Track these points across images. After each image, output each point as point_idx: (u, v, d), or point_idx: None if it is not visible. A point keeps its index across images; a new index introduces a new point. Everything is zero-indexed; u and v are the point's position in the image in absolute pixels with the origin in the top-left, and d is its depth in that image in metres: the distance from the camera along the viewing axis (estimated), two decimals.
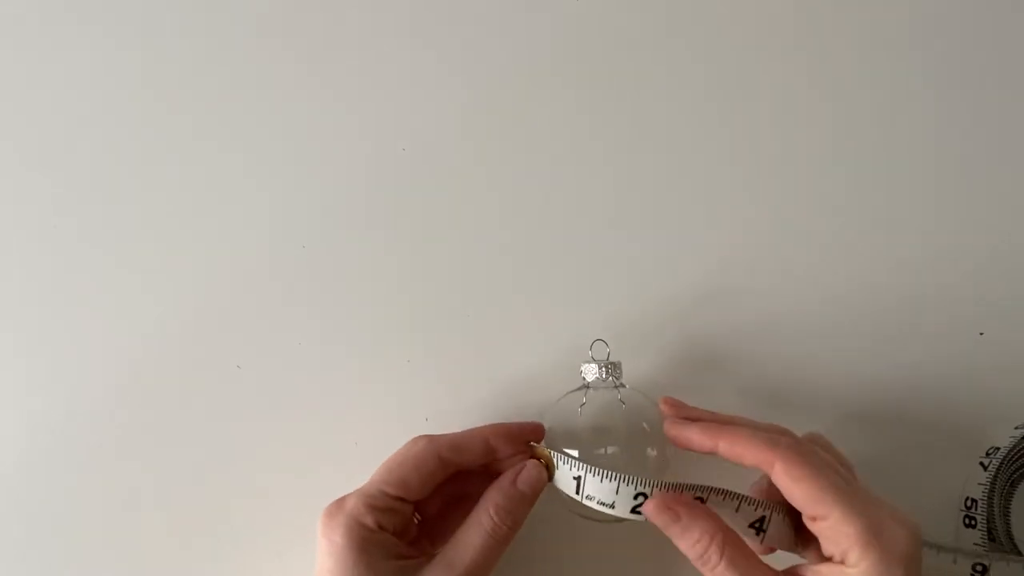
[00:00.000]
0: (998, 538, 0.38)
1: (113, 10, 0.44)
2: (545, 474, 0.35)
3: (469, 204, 0.43)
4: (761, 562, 0.32)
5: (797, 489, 0.31)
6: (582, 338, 0.40)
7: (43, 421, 0.41)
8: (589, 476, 0.33)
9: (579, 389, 0.38)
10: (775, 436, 0.32)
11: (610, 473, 0.33)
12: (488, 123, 0.43)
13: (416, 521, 0.36)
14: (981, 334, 0.41)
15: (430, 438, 0.35)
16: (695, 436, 0.34)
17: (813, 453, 0.32)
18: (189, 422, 0.41)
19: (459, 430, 0.36)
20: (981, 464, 0.39)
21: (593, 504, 0.33)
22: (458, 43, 0.44)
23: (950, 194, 0.43)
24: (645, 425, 0.36)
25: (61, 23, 0.44)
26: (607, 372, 0.37)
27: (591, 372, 0.37)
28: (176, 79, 0.44)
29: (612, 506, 0.33)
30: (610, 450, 0.35)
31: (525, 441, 0.36)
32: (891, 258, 0.42)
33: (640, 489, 0.32)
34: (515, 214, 0.43)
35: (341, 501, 0.34)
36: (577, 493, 0.34)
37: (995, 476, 0.38)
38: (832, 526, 0.30)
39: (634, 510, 0.33)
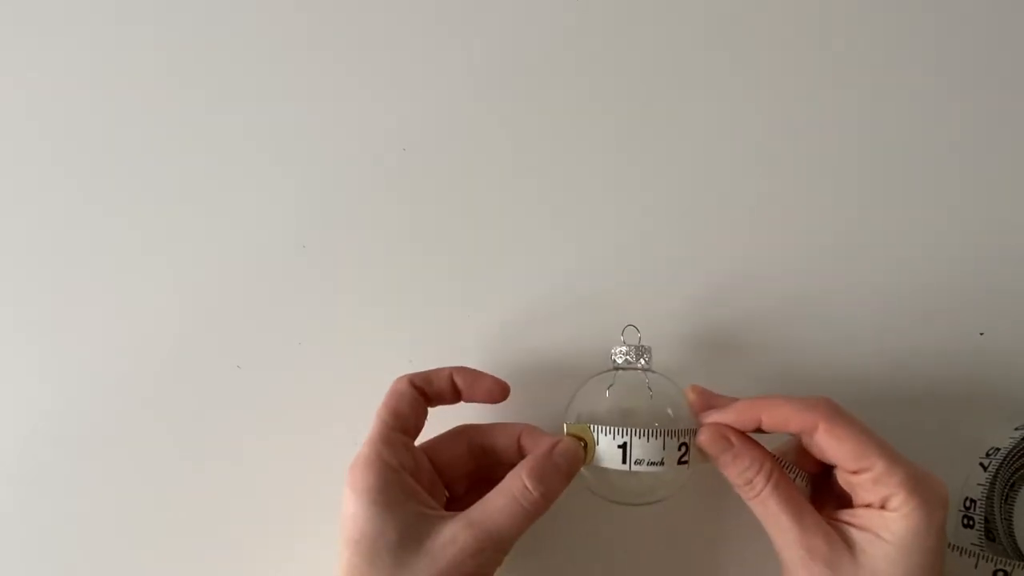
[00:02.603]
0: (998, 538, 0.38)
1: (114, 11, 0.44)
2: (582, 451, 0.34)
3: (470, 204, 0.43)
4: (801, 495, 0.33)
5: (840, 447, 0.32)
6: (583, 337, 0.40)
7: (43, 421, 0.41)
8: (635, 439, 0.33)
9: (608, 371, 0.38)
10: (811, 400, 0.33)
11: (655, 429, 0.33)
12: (489, 122, 0.43)
13: (446, 496, 0.37)
14: (981, 334, 0.41)
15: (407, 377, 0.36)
16: (736, 420, 0.34)
17: (848, 412, 0.33)
18: (189, 422, 0.41)
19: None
20: (981, 464, 0.39)
21: (643, 467, 0.33)
22: (458, 43, 0.44)
23: (951, 194, 0.43)
24: (669, 411, 0.36)
25: (61, 23, 0.44)
26: (637, 355, 0.37)
27: (620, 355, 0.37)
28: (176, 79, 0.44)
29: (662, 463, 0.34)
30: (624, 428, 0.35)
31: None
32: (892, 258, 0.42)
33: (682, 440, 0.34)
34: (515, 214, 0.43)
35: (357, 453, 0.34)
36: (624, 462, 0.34)
37: (995, 476, 0.38)
38: (875, 476, 0.31)
39: (680, 460, 0.34)
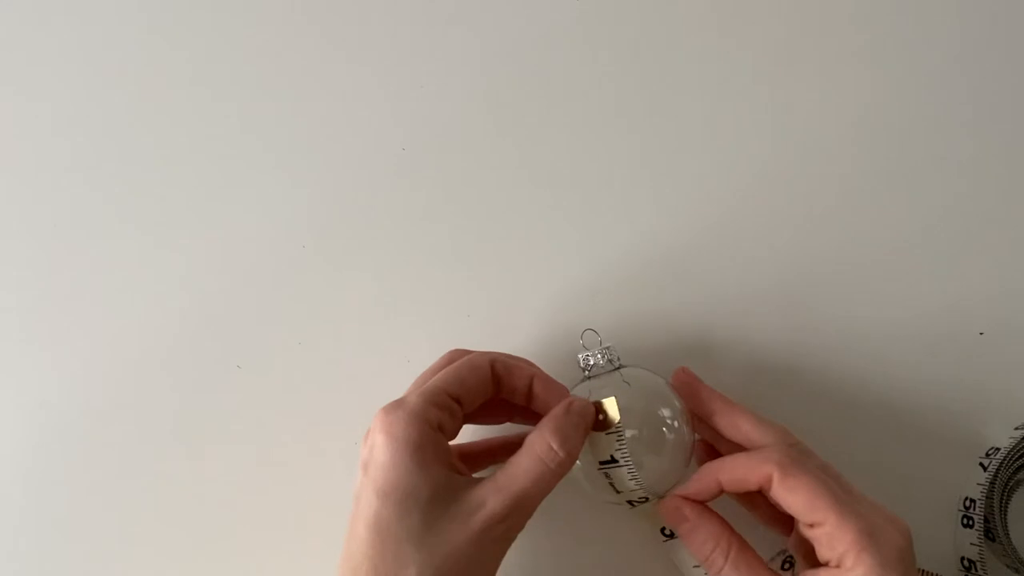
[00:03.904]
0: (998, 538, 0.38)
1: (115, 10, 0.44)
2: (594, 410, 0.34)
3: (469, 204, 0.43)
4: (766, 568, 0.33)
5: (793, 498, 0.32)
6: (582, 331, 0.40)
7: (43, 421, 0.41)
8: (623, 467, 0.34)
9: (582, 382, 0.38)
10: (766, 452, 0.33)
11: (638, 476, 0.34)
12: (488, 122, 0.43)
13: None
14: (981, 334, 0.41)
15: (479, 352, 0.35)
16: (697, 492, 0.34)
17: (805, 462, 0.33)
18: (189, 422, 0.41)
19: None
20: (981, 464, 0.39)
21: (604, 480, 0.34)
22: (458, 43, 0.44)
23: (951, 193, 0.43)
24: (665, 411, 0.36)
25: (62, 23, 0.44)
26: (603, 356, 0.37)
27: (587, 361, 0.37)
28: (176, 79, 0.44)
29: (618, 492, 0.35)
30: (629, 433, 0.35)
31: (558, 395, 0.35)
32: (891, 257, 0.42)
33: (648, 496, 0.35)
34: (515, 213, 0.43)
35: (398, 400, 0.32)
36: (601, 464, 0.34)
37: (995, 476, 0.38)
38: (828, 531, 0.31)
39: (632, 502, 0.35)
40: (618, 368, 0.37)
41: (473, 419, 0.36)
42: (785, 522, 0.36)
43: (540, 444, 0.32)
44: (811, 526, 0.32)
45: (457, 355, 0.36)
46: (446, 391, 0.32)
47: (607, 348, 0.37)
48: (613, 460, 0.34)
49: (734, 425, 0.36)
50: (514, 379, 0.34)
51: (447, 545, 0.30)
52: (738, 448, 0.36)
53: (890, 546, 0.30)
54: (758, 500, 0.36)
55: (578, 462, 0.36)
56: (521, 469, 0.32)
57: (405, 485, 0.30)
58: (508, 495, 0.31)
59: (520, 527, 0.32)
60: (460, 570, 0.30)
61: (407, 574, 0.30)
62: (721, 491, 0.34)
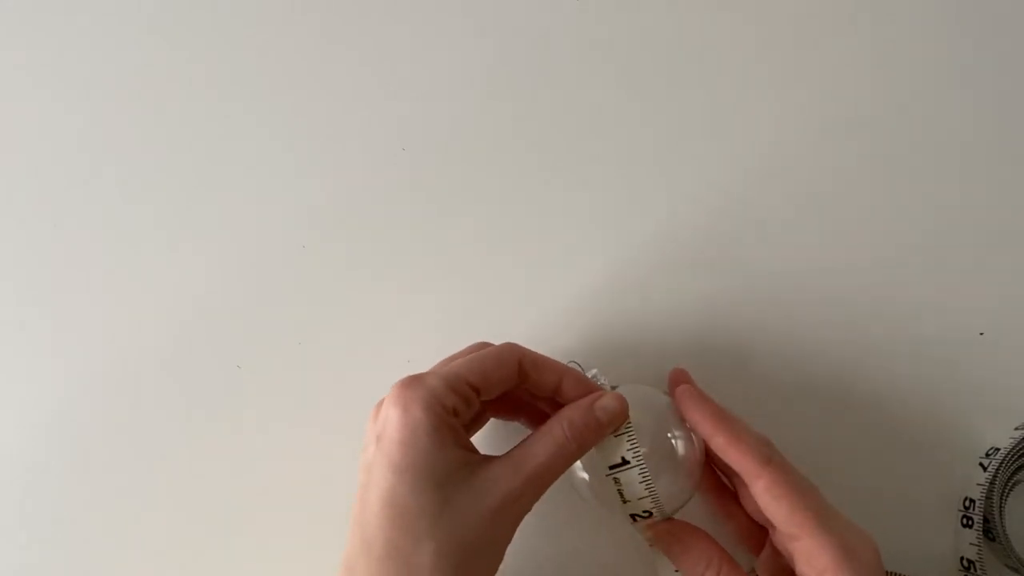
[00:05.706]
0: (998, 538, 0.38)
1: (112, 10, 0.44)
2: (626, 410, 0.34)
3: (469, 205, 0.43)
4: None
5: (777, 507, 0.32)
6: (592, 337, 0.40)
7: (42, 421, 0.41)
8: (636, 470, 0.33)
9: None
10: (767, 452, 0.33)
11: (651, 483, 0.33)
12: (488, 123, 0.43)
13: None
14: (981, 334, 0.41)
15: (511, 343, 0.35)
16: (700, 418, 0.34)
17: (797, 473, 0.33)
18: (189, 422, 0.41)
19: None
20: (981, 464, 0.39)
21: (611, 486, 0.34)
22: (458, 43, 0.44)
23: (950, 193, 0.43)
24: (670, 435, 0.35)
25: (60, 22, 0.44)
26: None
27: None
28: (175, 78, 0.44)
29: (625, 501, 0.34)
30: (641, 450, 0.35)
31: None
32: (891, 257, 0.42)
33: (651, 510, 0.34)
34: (516, 213, 0.43)
35: (419, 377, 0.32)
36: (610, 469, 0.34)
37: (994, 476, 0.38)
38: (807, 547, 0.31)
39: (634, 516, 0.34)
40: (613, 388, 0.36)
41: (487, 409, 0.37)
42: (757, 540, 0.37)
43: (558, 431, 0.33)
44: (791, 538, 0.32)
45: (495, 345, 0.35)
46: (467, 380, 0.32)
47: (593, 375, 0.37)
48: (624, 462, 0.34)
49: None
50: (543, 375, 0.34)
51: (463, 521, 0.30)
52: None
53: (865, 564, 0.31)
54: (734, 511, 0.37)
55: (584, 475, 0.36)
56: (537, 452, 0.32)
57: (422, 463, 0.30)
58: (523, 474, 0.31)
59: (531, 507, 0.32)
60: (476, 546, 0.30)
61: (424, 550, 0.30)
62: (708, 441, 0.34)
